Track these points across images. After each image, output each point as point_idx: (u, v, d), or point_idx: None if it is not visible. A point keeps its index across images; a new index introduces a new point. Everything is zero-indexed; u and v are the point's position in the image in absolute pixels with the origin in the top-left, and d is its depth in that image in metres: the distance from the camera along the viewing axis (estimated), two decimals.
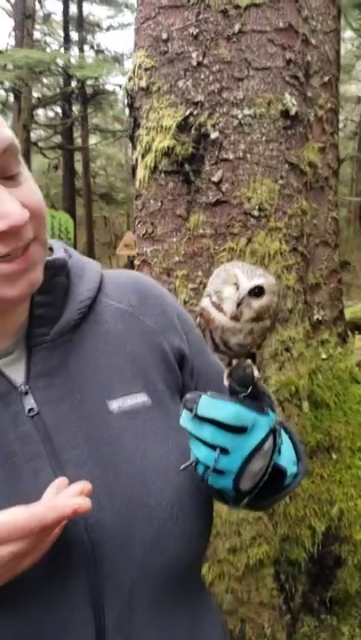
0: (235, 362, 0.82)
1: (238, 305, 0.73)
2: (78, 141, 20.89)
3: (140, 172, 2.39)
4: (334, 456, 2.47)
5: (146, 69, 2.34)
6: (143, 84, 2.34)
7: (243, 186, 2.23)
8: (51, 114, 23.32)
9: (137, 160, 2.43)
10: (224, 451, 0.74)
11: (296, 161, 2.32)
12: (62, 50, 19.08)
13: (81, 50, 20.57)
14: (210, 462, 0.75)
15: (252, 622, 2.32)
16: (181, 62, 2.26)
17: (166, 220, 2.34)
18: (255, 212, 2.25)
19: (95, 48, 21.69)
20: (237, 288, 0.72)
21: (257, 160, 2.23)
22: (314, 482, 2.43)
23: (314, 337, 2.53)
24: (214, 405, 0.74)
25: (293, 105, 2.27)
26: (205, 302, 0.78)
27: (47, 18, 20.85)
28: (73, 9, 20.72)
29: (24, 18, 16.73)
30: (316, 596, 2.44)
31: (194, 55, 2.25)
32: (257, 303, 0.73)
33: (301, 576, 2.41)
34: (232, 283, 0.73)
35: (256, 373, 0.78)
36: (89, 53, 20.94)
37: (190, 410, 0.75)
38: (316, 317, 2.54)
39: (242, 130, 2.22)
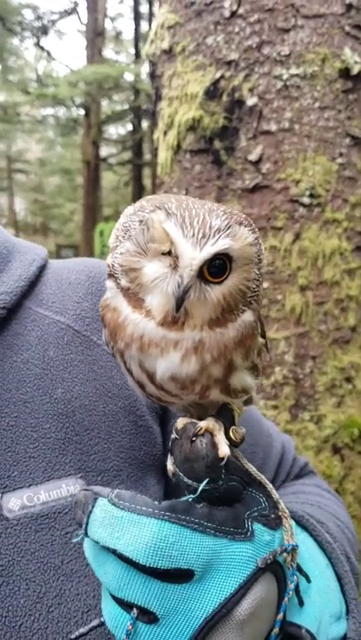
0: (182, 423, 0.47)
1: (180, 299, 0.39)
2: (148, 157, 21.02)
3: (162, 155, 1.94)
4: None
5: (169, 27, 1.90)
6: (165, 45, 1.90)
7: (289, 166, 1.84)
8: (122, 131, 23.62)
9: (158, 140, 1.98)
10: (147, 613, 0.42)
11: (360, 133, 1.80)
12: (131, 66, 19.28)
13: None
14: (119, 633, 0.43)
15: None
16: (211, 14, 1.84)
17: None
18: (305, 200, 1.83)
19: None
20: (174, 262, 0.39)
21: (308, 132, 1.82)
22: None
23: None
24: (116, 523, 0.41)
25: (356, 62, 1.78)
26: (110, 289, 0.45)
27: (118, 36, 21.16)
28: (144, 27, 20.94)
29: (95, 36, 17.07)
30: None
31: (226, 4, 1.80)
32: (218, 291, 0.41)
33: None
34: (159, 249, 0.40)
35: (223, 450, 0.43)
36: None
37: (80, 525, 0.45)
38: None
39: (288, 94, 1.82)
